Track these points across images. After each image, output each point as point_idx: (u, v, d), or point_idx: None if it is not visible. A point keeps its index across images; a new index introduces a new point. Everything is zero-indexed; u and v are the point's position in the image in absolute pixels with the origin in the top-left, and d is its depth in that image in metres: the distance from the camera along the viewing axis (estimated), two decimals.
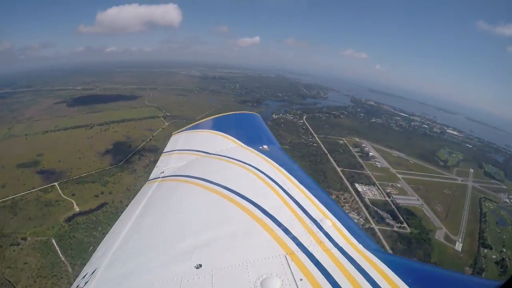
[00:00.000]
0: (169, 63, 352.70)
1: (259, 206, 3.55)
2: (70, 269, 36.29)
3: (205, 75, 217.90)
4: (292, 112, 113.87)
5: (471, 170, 75.33)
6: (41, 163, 59.20)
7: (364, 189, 58.47)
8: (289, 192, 3.81)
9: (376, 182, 61.60)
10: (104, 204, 47.44)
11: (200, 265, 2.70)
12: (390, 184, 62.02)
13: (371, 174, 65.35)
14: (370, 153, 78.62)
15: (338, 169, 67.04)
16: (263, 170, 4.52)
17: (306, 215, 3.26)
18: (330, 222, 3.08)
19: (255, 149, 5.65)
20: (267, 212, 3.39)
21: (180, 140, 7.66)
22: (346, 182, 61.26)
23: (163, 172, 5.74)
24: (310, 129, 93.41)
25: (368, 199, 55.08)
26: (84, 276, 3.27)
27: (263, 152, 5.48)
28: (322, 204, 3.54)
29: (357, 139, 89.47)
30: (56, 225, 42.99)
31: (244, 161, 5.02)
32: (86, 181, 53.97)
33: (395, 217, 50.39)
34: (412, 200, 56.66)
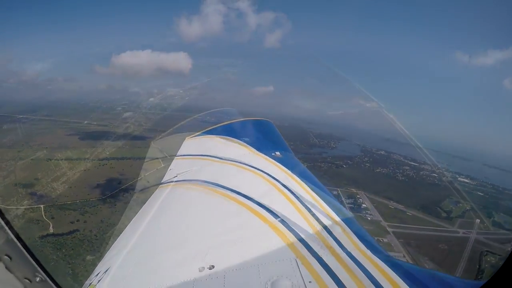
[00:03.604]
0: (186, 107, 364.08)
1: (271, 211, 3.64)
2: None
3: (219, 122, 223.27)
4: None
5: (477, 221, 68.05)
6: (35, 186, 62.15)
7: None
8: (300, 198, 3.93)
9: None
10: (76, 231, 48.36)
11: (213, 266, 2.77)
12: (376, 238, 57.48)
13: None
14: (363, 205, 73.94)
15: None
16: (275, 176, 4.67)
17: (317, 220, 3.38)
18: (340, 228, 3.22)
19: (268, 156, 5.82)
20: (278, 217, 3.49)
21: (193, 145, 8.06)
22: None
23: (176, 176, 5.92)
24: None
25: None
26: (97, 274, 3.32)
27: (275, 158, 5.67)
28: (332, 210, 3.68)
29: (354, 190, 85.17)
30: (31, 238, 44.75)
31: (257, 167, 5.18)
32: (68, 208, 55.59)
33: None
34: (397, 257, 52.22)
